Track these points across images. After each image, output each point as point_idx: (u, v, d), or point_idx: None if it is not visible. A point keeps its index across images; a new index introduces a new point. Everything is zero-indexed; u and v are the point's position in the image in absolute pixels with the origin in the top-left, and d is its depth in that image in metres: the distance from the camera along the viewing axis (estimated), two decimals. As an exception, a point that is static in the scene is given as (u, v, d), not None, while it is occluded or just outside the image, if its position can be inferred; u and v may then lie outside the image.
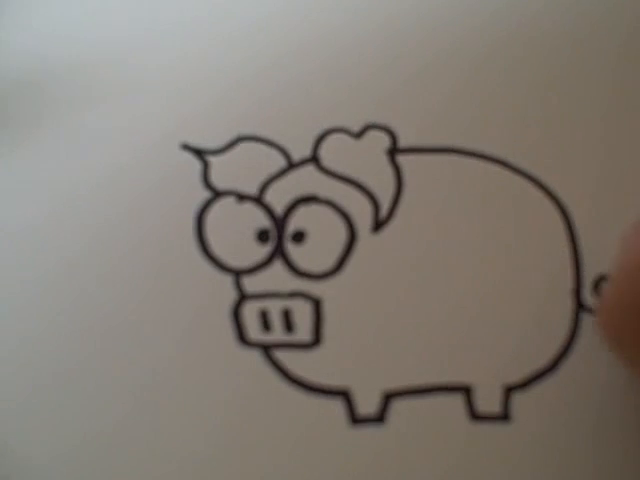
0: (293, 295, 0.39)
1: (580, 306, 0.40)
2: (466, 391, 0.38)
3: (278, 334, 0.38)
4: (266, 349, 0.38)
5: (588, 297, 0.40)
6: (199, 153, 0.41)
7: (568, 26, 0.44)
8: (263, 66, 0.42)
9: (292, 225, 0.40)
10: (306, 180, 0.40)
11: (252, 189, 0.40)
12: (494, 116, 0.42)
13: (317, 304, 0.39)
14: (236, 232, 0.40)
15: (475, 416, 0.38)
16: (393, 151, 0.41)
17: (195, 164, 0.41)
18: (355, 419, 0.38)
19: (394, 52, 0.43)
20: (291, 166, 0.41)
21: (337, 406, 0.38)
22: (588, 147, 0.42)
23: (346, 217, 0.40)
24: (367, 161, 0.41)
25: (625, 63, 0.43)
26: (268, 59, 0.42)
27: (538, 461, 0.38)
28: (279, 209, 0.40)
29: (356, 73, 0.43)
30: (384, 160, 0.41)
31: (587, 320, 0.40)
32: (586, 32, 0.44)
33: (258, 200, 0.40)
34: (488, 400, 0.38)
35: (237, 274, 0.39)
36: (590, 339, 0.39)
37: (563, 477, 0.38)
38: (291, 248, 0.39)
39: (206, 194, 0.40)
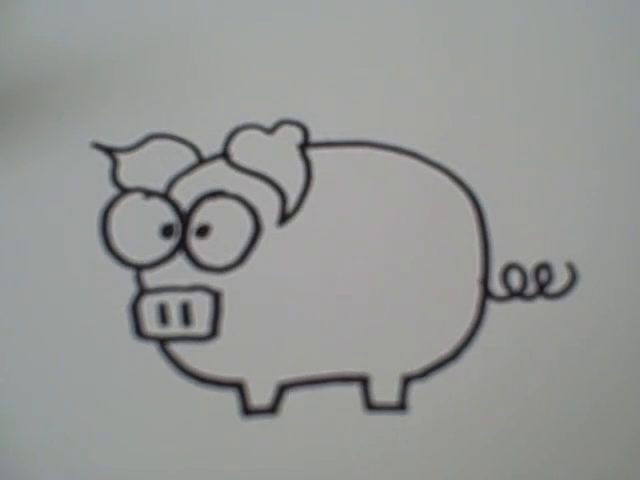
0: (193, 288, 0.38)
1: (487, 294, 0.39)
2: (363, 381, 0.38)
3: (175, 327, 0.38)
4: (162, 342, 0.38)
5: (496, 285, 0.39)
6: (109, 151, 0.41)
7: (483, 22, 0.43)
8: (176, 65, 0.42)
9: (197, 220, 0.39)
10: (215, 175, 0.40)
11: (159, 185, 0.40)
12: (406, 109, 0.42)
13: (217, 297, 0.38)
14: (140, 228, 0.40)
15: (371, 406, 0.37)
16: (305, 145, 0.41)
17: (105, 162, 0.41)
18: (248, 410, 0.37)
19: (307, 49, 0.43)
20: (201, 162, 0.41)
21: (231, 398, 0.37)
22: (499, 139, 0.41)
23: (252, 211, 0.39)
24: (278, 156, 0.41)
25: (534, 57, 0.43)
26: (182, 59, 0.42)
27: (435, 451, 0.37)
28: (185, 204, 0.40)
29: (270, 71, 0.42)
30: (295, 154, 0.41)
31: (494, 309, 0.39)
32: (496, 25, 0.43)
33: (165, 196, 0.40)
34: (385, 390, 0.37)
35: (138, 269, 0.39)
36: (495, 327, 0.38)
37: (460, 467, 0.37)
38: (194, 242, 0.39)
39: (113, 191, 0.40)
